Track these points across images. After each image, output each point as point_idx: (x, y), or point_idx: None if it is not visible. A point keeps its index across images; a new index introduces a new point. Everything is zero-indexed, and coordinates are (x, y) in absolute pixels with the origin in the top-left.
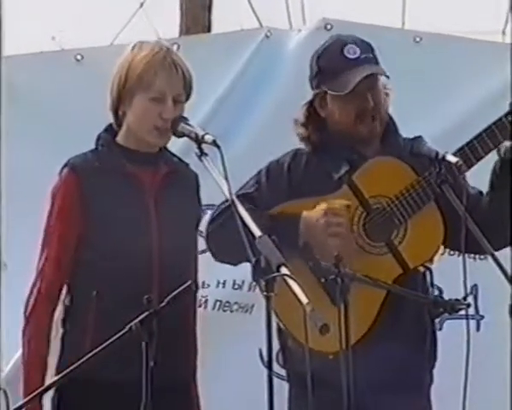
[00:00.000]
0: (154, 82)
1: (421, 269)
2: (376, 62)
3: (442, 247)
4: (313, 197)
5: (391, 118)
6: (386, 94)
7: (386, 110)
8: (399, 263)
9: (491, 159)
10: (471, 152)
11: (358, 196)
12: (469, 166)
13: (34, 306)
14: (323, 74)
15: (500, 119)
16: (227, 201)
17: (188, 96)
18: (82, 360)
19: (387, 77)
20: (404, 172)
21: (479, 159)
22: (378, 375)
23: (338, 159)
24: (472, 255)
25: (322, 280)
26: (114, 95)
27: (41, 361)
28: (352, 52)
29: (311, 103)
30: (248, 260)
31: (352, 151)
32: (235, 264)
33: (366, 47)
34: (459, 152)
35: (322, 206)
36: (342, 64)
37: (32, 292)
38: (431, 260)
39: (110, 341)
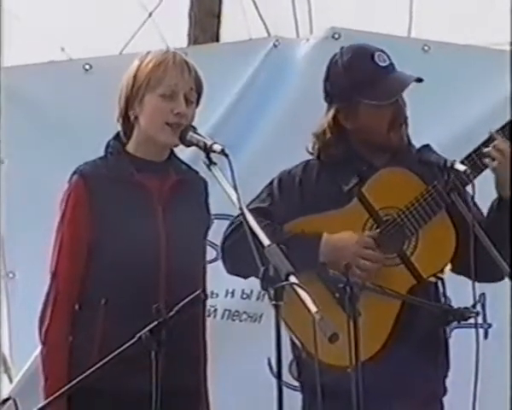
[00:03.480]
0: (164, 78)
1: (434, 280)
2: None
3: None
4: (325, 212)
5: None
6: None
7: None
8: (412, 273)
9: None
10: (479, 159)
11: (369, 209)
12: (478, 173)
13: (51, 319)
14: (358, 84)
15: (503, 126)
16: (240, 215)
17: (198, 100)
18: (93, 369)
19: (421, 81)
20: (414, 183)
21: (486, 166)
22: (395, 387)
23: (347, 170)
24: None
25: (337, 295)
26: (123, 101)
27: (64, 374)
28: (383, 60)
29: (334, 116)
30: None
31: (361, 162)
32: (245, 277)
33: (386, 54)
34: (467, 159)
35: (354, 235)
36: (377, 72)
37: (47, 302)
38: (442, 271)
39: (120, 350)
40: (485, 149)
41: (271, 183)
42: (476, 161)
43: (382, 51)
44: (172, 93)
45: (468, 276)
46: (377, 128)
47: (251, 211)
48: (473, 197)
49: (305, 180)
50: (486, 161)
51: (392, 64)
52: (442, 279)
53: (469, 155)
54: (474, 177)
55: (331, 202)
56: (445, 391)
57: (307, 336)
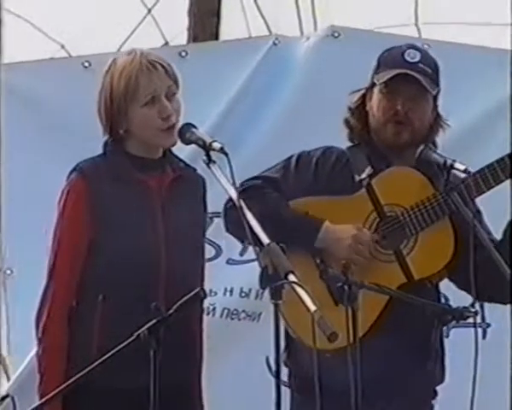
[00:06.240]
0: (138, 90)
1: (429, 285)
2: (433, 80)
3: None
4: (332, 196)
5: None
6: (440, 124)
7: (424, 128)
8: (404, 272)
9: None
10: (491, 175)
11: (374, 202)
12: (488, 188)
13: (48, 316)
14: (378, 66)
15: None
16: (252, 179)
17: (177, 87)
18: (91, 367)
19: (435, 93)
20: (423, 185)
21: (498, 182)
22: (373, 381)
23: (364, 162)
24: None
25: (324, 277)
26: (105, 119)
27: (60, 371)
28: (412, 56)
29: (363, 94)
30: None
31: (379, 158)
32: (243, 242)
33: (430, 62)
34: (479, 173)
35: (353, 229)
36: (397, 62)
37: (44, 298)
38: (438, 275)
39: (118, 348)
40: None
41: (290, 158)
42: (498, 170)
43: (427, 55)
44: (153, 98)
45: (466, 290)
46: (379, 114)
47: (260, 177)
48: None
49: (321, 163)
50: None
51: (423, 68)
52: (436, 285)
53: (491, 164)
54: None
55: (342, 188)
56: (435, 395)
57: (306, 330)
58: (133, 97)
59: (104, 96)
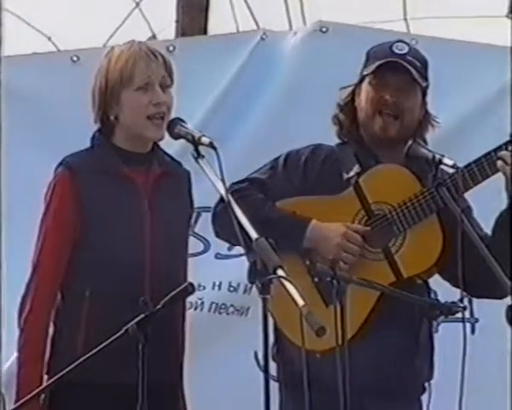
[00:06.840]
0: (135, 72)
1: (419, 281)
2: (421, 74)
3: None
4: (320, 196)
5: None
6: (429, 120)
7: (413, 122)
8: (393, 271)
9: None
10: (478, 170)
11: (362, 200)
12: (475, 184)
13: (31, 308)
14: (367, 60)
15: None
16: (239, 182)
17: (172, 82)
18: (79, 362)
19: (424, 86)
20: (411, 183)
21: (485, 177)
22: (362, 379)
23: (352, 160)
24: None
25: (316, 280)
26: (98, 102)
27: (39, 363)
28: (400, 48)
29: (353, 90)
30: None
31: (368, 156)
32: (232, 244)
33: (419, 56)
34: (466, 168)
35: (342, 227)
36: (385, 53)
37: (28, 290)
38: (427, 273)
39: (107, 343)
40: (501, 153)
41: (278, 158)
42: (485, 165)
43: (415, 51)
44: (147, 85)
45: (459, 287)
46: (367, 106)
47: (247, 180)
48: (469, 208)
49: (310, 161)
50: (499, 163)
51: (411, 61)
52: (426, 282)
53: (479, 159)
54: (479, 181)
55: (330, 187)
56: (423, 390)
57: (294, 328)
58: (129, 81)
59: (100, 78)
